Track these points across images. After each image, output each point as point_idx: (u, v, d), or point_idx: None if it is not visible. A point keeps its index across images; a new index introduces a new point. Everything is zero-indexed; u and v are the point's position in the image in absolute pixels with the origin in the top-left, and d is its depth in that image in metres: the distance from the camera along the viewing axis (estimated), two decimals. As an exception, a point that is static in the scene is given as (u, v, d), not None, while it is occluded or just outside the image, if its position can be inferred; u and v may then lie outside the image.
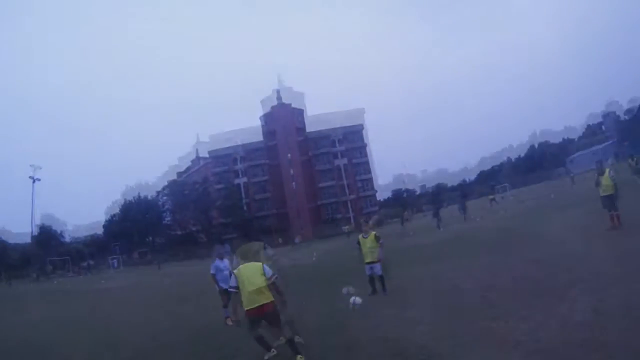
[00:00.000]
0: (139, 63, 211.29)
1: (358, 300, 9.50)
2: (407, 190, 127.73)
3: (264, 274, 6.63)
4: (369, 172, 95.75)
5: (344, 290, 10.99)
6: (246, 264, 6.93)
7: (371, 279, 10.72)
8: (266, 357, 6.78)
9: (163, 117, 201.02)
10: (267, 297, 6.52)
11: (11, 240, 77.90)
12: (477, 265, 12.04)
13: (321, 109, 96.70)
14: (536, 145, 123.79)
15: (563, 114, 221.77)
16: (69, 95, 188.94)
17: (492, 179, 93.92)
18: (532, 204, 34.88)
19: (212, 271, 11.08)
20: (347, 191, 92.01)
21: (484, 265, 11.99)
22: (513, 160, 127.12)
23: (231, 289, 7.26)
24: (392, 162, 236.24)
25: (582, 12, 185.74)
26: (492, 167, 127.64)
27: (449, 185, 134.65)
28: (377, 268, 10.62)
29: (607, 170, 13.65)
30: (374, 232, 10.97)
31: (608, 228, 12.96)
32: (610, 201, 13.15)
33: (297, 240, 73.80)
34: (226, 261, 11.44)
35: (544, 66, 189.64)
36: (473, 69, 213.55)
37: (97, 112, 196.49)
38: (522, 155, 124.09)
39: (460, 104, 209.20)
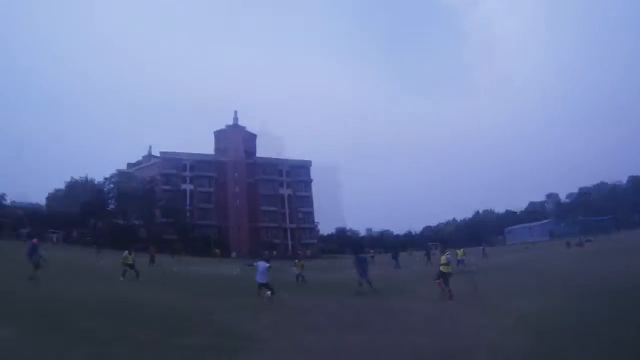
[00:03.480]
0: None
1: (269, 294, 15.50)
2: (351, 230, 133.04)
3: None
4: (311, 205, 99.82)
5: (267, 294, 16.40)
6: None
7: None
8: None
9: (119, 123, 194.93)
10: None
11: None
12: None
13: (271, 153, 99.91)
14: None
15: (506, 197, 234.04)
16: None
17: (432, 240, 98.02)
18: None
19: None
20: (287, 219, 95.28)
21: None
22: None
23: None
24: (335, 217, 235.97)
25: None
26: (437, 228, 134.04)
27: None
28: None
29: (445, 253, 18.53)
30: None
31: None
32: (444, 277, 16.86)
33: (233, 254, 75.07)
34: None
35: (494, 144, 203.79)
36: (422, 135, 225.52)
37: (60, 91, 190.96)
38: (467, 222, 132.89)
39: (411, 169, 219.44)
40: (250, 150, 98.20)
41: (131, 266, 23.04)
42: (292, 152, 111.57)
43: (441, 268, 17.15)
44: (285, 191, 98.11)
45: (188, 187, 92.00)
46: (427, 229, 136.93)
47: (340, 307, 15.61)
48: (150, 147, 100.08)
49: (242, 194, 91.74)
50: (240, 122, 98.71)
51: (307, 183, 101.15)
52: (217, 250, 69.83)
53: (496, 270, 28.43)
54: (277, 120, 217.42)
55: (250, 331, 10.38)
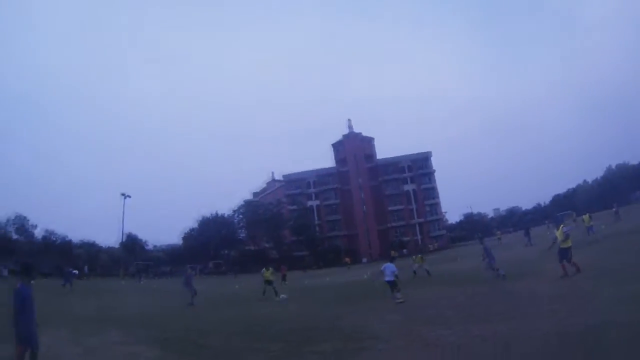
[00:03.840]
0: (215, 99, 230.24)
1: (398, 295, 16.28)
2: (479, 214, 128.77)
3: None
4: (437, 197, 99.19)
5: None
6: None
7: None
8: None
9: (239, 155, 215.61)
10: None
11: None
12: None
13: (389, 154, 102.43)
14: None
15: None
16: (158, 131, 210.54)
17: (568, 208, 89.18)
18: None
19: None
20: (415, 215, 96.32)
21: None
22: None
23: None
24: (461, 204, 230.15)
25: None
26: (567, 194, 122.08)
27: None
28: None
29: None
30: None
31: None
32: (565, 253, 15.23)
33: (364, 260, 79.24)
34: None
35: (616, 96, 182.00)
36: (542, 105, 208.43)
37: (179, 147, 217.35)
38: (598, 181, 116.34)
39: (531, 140, 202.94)
40: (370, 154, 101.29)
41: (270, 282, 25.04)
42: (410, 146, 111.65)
43: (560, 245, 15.41)
44: (409, 187, 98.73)
45: (314, 203, 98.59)
46: (557, 197, 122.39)
47: (465, 297, 15.31)
48: (272, 172, 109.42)
49: (367, 199, 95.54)
50: (356, 128, 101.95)
51: (430, 174, 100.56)
52: (346, 259, 71.96)
53: (631, 235, 24.89)
54: (389, 116, 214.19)
55: (376, 331, 10.91)
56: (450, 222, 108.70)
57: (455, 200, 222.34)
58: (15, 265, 62.99)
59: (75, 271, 37.30)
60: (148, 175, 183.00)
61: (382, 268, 18.10)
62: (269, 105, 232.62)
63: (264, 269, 26.25)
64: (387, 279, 17.19)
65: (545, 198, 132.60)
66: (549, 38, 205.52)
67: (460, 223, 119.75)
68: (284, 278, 38.68)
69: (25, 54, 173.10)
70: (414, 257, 31.22)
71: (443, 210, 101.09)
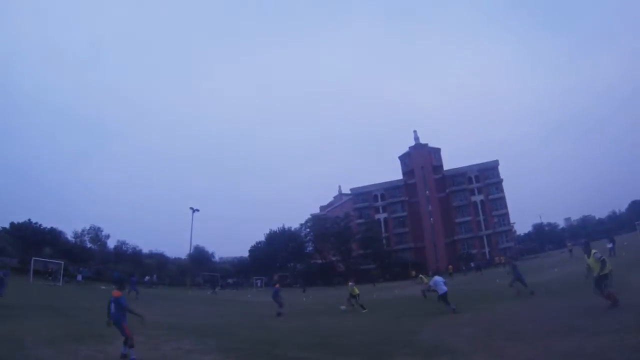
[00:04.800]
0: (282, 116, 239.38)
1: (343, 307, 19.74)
2: (549, 224, 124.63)
3: None
4: (505, 207, 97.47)
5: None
6: None
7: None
8: None
9: (307, 169, 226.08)
10: None
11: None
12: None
13: (456, 164, 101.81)
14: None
15: None
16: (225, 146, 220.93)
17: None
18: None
19: None
20: (483, 226, 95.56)
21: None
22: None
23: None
24: (531, 213, 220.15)
25: None
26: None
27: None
28: None
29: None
30: None
31: None
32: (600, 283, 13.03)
33: (430, 273, 79.18)
34: None
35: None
36: (614, 104, 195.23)
37: (248, 162, 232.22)
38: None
39: (603, 144, 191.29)
40: (437, 165, 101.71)
41: (356, 297, 25.14)
42: (477, 154, 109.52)
43: (595, 273, 12.99)
44: (477, 198, 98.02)
45: (382, 216, 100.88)
46: (635, 204, 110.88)
47: (543, 311, 14.86)
48: (339, 186, 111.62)
49: (435, 211, 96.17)
50: (422, 139, 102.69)
51: (498, 184, 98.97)
52: (412, 272, 70.19)
53: None
54: (455, 125, 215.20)
55: (453, 345, 10.79)
56: (519, 233, 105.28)
57: (524, 210, 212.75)
58: (90, 272, 68.80)
59: (134, 278, 39.56)
60: (216, 188, 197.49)
61: (431, 283, 19.36)
62: (336, 119, 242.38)
63: (351, 283, 26.38)
64: (442, 291, 18.17)
65: (620, 205, 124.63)
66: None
67: (529, 234, 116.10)
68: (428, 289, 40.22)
69: (103, 79, 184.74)
70: (421, 276, 32.28)
71: (512, 221, 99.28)
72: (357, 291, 25.49)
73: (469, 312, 17.39)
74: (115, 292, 10.93)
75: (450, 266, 65.49)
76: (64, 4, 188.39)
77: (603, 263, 12.80)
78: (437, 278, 18.89)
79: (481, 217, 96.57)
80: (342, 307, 25.03)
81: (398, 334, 13.75)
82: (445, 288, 18.25)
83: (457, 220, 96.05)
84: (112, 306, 10.59)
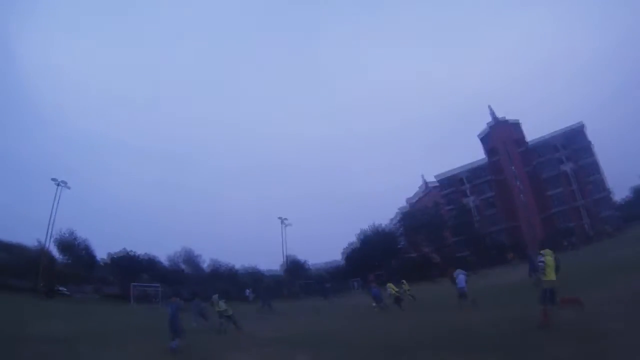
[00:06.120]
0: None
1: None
2: None
3: None
4: (599, 172, 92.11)
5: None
6: None
7: None
8: None
9: (389, 165, 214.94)
10: None
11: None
12: None
13: (538, 134, 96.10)
14: None
15: None
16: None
17: None
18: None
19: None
20: (577, 196, 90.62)
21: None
22: None
23: None
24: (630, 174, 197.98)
25: None
26: None
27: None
28: None
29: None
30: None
31: None
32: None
33: (529, 253, 75.29)
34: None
35: None
36: None
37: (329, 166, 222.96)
38: None
39: None
40: (519, 138, 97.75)
41: (402, 291, 26.96)
42: (559, 119, 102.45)
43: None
44: (566, 166, 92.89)
45: (470, 199, 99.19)
46: None
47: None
48: (422, 176, 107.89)
49: (524, 187, 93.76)
50: (499, 115, 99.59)
51: (587, 148, 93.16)
52: (510, 255, 69.27)
53: None
54: (530, 93, 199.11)
55: (606, 328, 9.92)
56: (616, 199, 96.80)
57: (621, 173, 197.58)
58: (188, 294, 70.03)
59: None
60: (297, 195, 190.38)
61: (455, 274, 21.18)
62: (409, 108, 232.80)
63: (464, 271, 24.50)
64: (461, 285, 19.85)
65: None
66: None
67: (628, 201, 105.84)
68: (453, 281, 39.58)
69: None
70: (402, 282, 32.65)
71: (608, 186, 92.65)
72: (394, 289, 28.04)
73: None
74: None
75: (511, 254, 67.59)
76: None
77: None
78: (459, 273, 20.91)
79: (575, 186, 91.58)
80: (374, 305, 27.19)
81: (533, 321, 12.25)
82: (463, 284, 20.01)
83: (548, 193, 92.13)
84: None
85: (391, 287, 28.66)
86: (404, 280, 32.04)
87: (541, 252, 13.39)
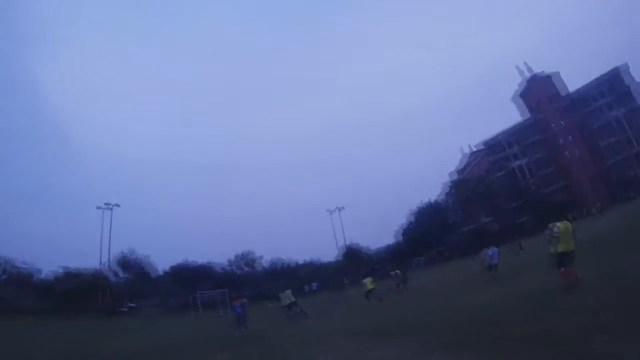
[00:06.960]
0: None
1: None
2: None
3: None
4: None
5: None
6: None
7: None
8: None
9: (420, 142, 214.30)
10: None
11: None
12: None
13: (579, 83, 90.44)
14: None
15: None
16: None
17: None
18: None
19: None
20: (635, 142, 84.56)
21: None
22: None
23: None
24: None
25: None
26: None
27: None
28: None
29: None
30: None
31: None
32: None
33: (594, 210, 70.75)
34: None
35: None
36: None
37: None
38: None
39: None
40: (557, 92, 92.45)
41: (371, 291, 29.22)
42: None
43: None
44: (616, 112, 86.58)
45: (521, 162, 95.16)
46: None
47: None
48: (469, 145, 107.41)
49: (575, 140, 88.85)
50: (526, 71, 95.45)
51: (636, 89, 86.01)
52: (569, 215, 65.04)
53: None
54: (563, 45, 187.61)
55: None
56: None
57: None
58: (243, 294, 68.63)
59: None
60: (347, 183, 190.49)
61: (488, 252, 22.80)
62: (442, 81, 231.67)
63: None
64: (494, 261, 22.00)
65: None
66: None
67: None
68: (520, 246, 42.68)
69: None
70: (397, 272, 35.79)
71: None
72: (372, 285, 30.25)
73: None
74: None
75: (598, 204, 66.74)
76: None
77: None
78: (492, 250, 22.96)
79: (629, 133, 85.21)
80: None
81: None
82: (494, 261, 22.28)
83: (602, 144, 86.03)
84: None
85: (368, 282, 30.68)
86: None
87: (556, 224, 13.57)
